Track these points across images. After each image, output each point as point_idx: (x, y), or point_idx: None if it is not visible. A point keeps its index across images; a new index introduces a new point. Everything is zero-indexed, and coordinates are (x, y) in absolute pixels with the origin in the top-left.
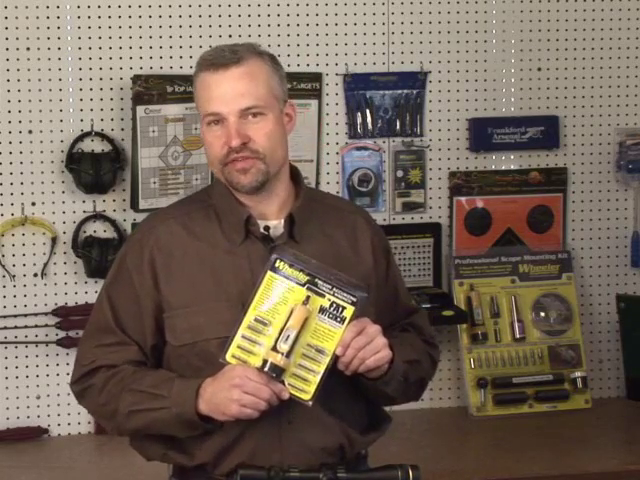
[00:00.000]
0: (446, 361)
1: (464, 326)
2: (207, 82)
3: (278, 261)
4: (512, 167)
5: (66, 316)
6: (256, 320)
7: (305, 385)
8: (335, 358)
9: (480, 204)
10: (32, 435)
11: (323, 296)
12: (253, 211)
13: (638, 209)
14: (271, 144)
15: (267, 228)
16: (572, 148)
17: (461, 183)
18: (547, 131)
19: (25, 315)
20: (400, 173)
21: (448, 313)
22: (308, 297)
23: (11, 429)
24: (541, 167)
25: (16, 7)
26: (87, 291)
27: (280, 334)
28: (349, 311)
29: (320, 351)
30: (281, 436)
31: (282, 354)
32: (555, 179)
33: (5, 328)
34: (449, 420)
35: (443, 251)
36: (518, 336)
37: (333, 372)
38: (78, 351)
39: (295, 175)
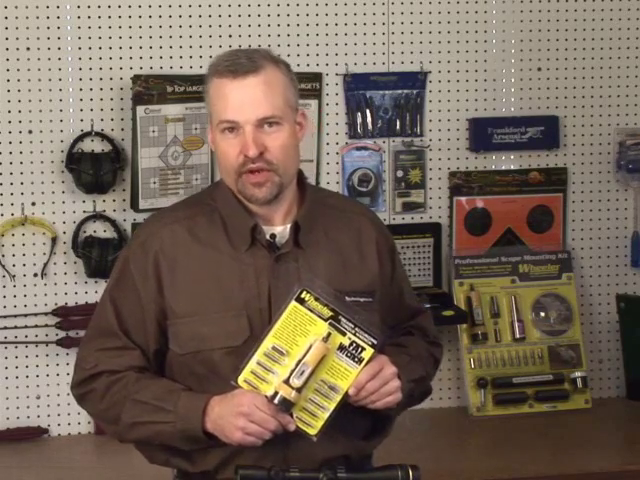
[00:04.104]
0: (446, 361)
1: (464, 326)
2: (223, 89)
3: (304, 292)
4: (512, 167)
5: (66, 316)
6: (273, 348)
7: (313, 420)
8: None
9: (480, 204)
10: (32, 435)
11: (344, 334)
12: (259, 217)
13: (638, 209)
14: (285, 155)
15: (273, 236)
16: (572, 148)
17: (461, 183)
18: (547, 131)
19: (25, 315)
20: (400, 173)
21: (448, 313)
22: (329, 334)
23: (11, 429)
24: (541, 167)
25: (16, 7)
26: (87, 291)
27: (296, 366)
28: (368, 353)
29: (333, 388)
30: (287, 446)
31: (294, 389)
32: (555, 179)
33: (5, 328)
34: (449, 420)
35: (443, 251)
36: (518, 336)
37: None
38: (79, 354)
39: (300, 179)
